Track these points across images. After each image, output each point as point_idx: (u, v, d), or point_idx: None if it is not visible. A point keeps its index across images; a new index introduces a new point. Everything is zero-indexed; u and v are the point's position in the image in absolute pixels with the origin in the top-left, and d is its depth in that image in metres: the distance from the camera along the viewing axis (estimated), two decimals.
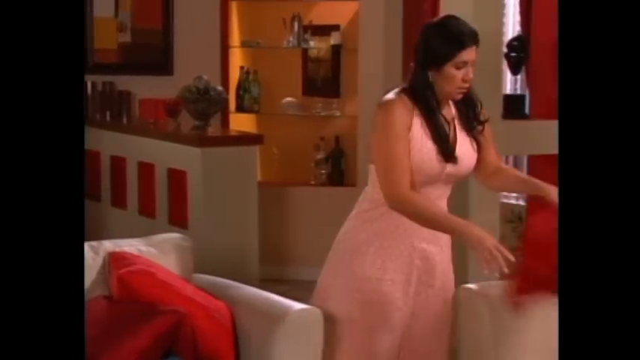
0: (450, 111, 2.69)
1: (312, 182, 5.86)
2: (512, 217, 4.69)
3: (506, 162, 5.23)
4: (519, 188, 2.95)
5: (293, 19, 5.75)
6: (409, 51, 5.34)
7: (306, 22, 5.81)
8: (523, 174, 2.89)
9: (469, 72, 2.62)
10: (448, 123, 2.66)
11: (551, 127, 3.94)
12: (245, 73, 5.93)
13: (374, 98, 5.56)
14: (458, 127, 2.67)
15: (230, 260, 4.55)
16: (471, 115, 2.69)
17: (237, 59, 5.95)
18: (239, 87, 5.90)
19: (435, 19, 2.74)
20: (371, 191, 2.72)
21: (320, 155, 5.85)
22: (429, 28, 2.65)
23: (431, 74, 2.62)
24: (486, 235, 2.45)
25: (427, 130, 2.61)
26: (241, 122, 5.82)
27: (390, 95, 2.67)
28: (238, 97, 5.89)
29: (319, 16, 5.85)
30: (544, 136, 3.95)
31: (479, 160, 2.71)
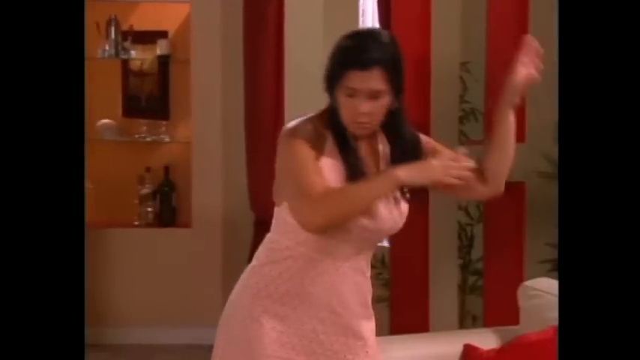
0: (375, 148, 2.70)
1: (137, 223, 5.90)
2: (374, 262, 4.86)
3: None
4: (500, 143, 2.71)
5: (109, 23, 5.79)
6: (252, 62, 5.49)
7: (125, 27, 5.86)
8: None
9: (362, 104, 2.56)
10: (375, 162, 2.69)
11: None
12: None
13: (210, 120, 5.74)
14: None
15: None
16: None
17: None
18: None
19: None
20: (272, 236, 2.77)
21: (145, 190, 5.89)
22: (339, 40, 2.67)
23: (332, 99, 2.66)
24: (419, 165, 2.55)
25: (338, 163, 2.63)
26: None
27: (296, 120, 2.72)
28: None
29: (142, 20, 5.91)
30: None
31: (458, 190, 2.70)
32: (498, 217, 4.32)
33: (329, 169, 2.62)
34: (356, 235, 2.66)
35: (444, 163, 2.53)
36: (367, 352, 2.76)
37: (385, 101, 2.59)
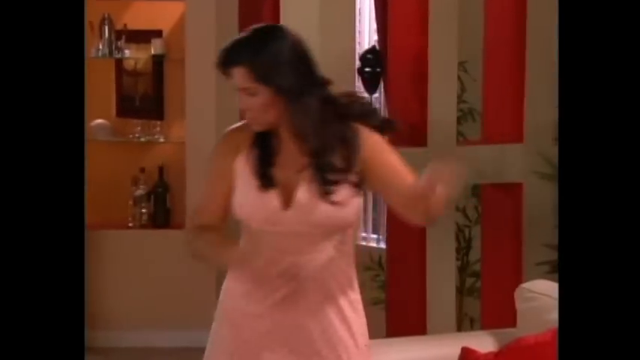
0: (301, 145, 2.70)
1: (130, 224, 5.89)
2: (371, 264, 4.87)
3: (365, 197, 5.44)
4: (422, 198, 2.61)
5: (103, 22, 5.78)
6: None
7: (119, 27, 5.85)
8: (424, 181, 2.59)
9: (243, 99, 2.62)
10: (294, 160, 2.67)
11: (412, 155, 4.15)
12: None
13: (205, 120, 5.74)
14: (308, 172, 2.65)
15: None
16: (318, 164, 2.64)
17: None
18: None
19: None
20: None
21: (140, 191, 5.88)
22: None
23: None
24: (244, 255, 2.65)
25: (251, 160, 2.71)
26: None
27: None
28: None
29: (136, 19, 5.90)
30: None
31: (389, 197, 2.71)
32: (496, 219, 4.33)
33: (241, 168, 2.69)
34: (287, 227, 2.64)
35: (242, 256, 2.64)
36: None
37: (262, 98, 2.61)
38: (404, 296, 4.24)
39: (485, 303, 4.32)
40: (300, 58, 2.64)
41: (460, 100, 4.49)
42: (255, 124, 2.67)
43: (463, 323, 4.58)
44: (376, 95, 4.93)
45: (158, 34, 5.87)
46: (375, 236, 5.42)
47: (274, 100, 2.61)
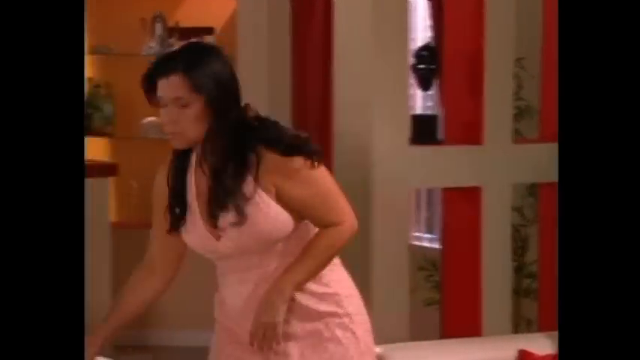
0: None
1: None
2: (424, 264, 4.83)
3: (418, 196, 5.41)
4: None
5: (155, 19, 5.82)
6: (299, 58, 5.48)
7: (171, 24, 5.89)
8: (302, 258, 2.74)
9: (168, 112, 2.66)
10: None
11: (467, 154, 4.14)
12: (94, 86, 5.94)
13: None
14: (214, 198, 2.72)
15: None
16: (217, 188, 2.69)
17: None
18: (87, 104, 5.91)
19: None
20: None
21: None
22: None
23: None
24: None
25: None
26: (90, 148, 5.81)
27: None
28: (86, 116, 5.90)
29: (188, 16, 5.94)
30: (459, 164, 4.11)
31: None
32: (553, 218, 4.26)
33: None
34: (227, 253, 2.76)
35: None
36: None
37: (194, 110, 2.63)
38: (459, 297, 4.19)
39: (543, 304, 4.27)
40: (232, 78, 2.69)
41: (517, 97, 4.43)
42: (175, 141, 2.70)
43: (520, 325, 4.53)
44: (430, 92, 4.89)
45: (210, 31, 5.90)
46: (428, 236, 5.38)
47: (204, 113, 2.64)
